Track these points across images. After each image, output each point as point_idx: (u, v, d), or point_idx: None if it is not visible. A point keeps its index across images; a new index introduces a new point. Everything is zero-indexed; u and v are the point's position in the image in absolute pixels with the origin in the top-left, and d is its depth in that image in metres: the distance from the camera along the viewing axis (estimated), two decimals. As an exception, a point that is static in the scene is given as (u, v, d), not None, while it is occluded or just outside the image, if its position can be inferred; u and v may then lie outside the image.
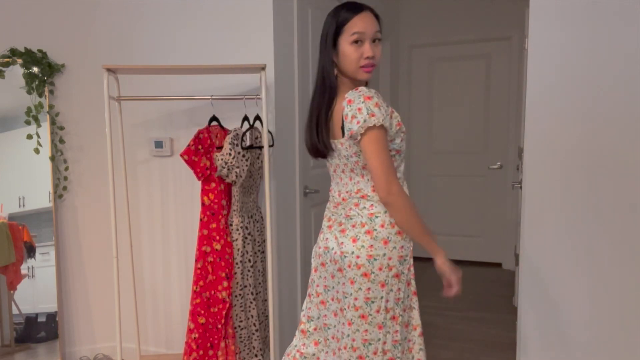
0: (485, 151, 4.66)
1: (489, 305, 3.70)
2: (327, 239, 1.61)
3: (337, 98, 1.55)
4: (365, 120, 1.41)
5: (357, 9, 1.50)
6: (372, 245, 1.50)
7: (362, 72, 1.51)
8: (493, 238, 4.73)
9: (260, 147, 2.31)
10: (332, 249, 1.57)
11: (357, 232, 1.52)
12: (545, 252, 2.09)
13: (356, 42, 1.48)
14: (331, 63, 1.54)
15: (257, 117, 2.30)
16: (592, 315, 2.04)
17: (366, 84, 1.60)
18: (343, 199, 1.59)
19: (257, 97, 2.26)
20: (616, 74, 1.93)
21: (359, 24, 1.48)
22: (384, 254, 1.51)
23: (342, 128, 1.49)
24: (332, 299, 1.61)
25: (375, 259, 1.50)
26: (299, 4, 2.57)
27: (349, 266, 1.52)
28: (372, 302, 1.51)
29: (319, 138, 1.56)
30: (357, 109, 1.43)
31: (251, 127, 2.28)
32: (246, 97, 2.31)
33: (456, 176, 4.81)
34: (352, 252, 1.51)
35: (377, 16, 1.53)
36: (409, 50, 4.83)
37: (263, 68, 2.17)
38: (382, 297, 1.51)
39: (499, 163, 4.46)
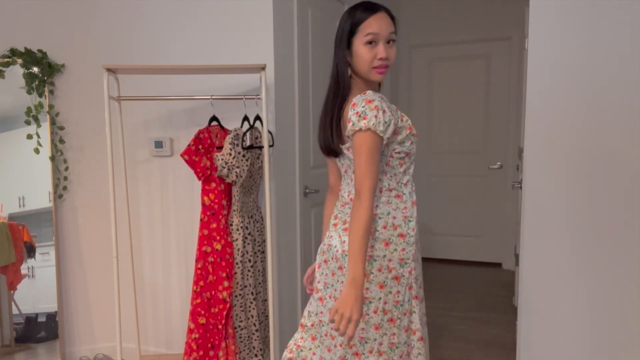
0: (485, 151, 4.66)
1: (489, 305, 3.70)
2: (331, 236, 1.61)
3: (349, 99, 1.54)
4: (353, 124, 1.42)
5: (373, 9, 1.49)
6: (372, 246, 1.50)
7: (374, 73, 1.50)
8: (493, 238, 4.73)
9: (261, 147, 2.31)
10: (335, 246, 1.57)
11: None
12: (545, 252, 2.09)
13: (370, 42, 1.47)
14: (345, 63, 1.53)
15: (257, 117, 2.30)
16: (592, 315, 2.04)
17: (379, 85, 1.60)
18: (350, 199, 1.59)
19: (257, 97, 2.26)
20: (616, 74, 1.93)
21: (373, 25, 1.47)
22: (384, 256, 1.51)
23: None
24: (330, 297, 1.60)
25: (375, 260, 1.50)
26: (299, 4, 2.57)
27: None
28: (370, 302, 1.52)
29: (333, 138, 1.55)
30: (355, 112, 1.43)
31: (251, 127, 2.28)
32: (246, 97, 2.31)
33: (456, 176, 4.81)
34: None
35: (392, 17, 1.53)
36: (409, 50, 4.83)
37: (263, 68, 2.17)
38: (380, 299, 1.51)
39: (499, 163, 4.47)
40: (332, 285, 1.59)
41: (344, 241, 1.55)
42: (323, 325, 1.63)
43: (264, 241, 2.40)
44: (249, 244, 2.31)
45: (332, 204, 1.77)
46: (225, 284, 2.24)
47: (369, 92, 1.47)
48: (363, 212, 1.40)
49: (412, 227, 1.56)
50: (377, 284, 1.51)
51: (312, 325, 1.69)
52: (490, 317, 3.47)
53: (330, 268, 1.60)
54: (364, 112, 1.42)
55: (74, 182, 2.77)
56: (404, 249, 1.54)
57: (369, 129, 1.40)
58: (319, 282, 1.66)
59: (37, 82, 2.58)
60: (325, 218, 1.80)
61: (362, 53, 1.48)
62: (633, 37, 1.89)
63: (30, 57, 2.55)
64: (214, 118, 2.33)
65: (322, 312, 1.64)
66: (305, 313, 1.74)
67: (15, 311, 2.67)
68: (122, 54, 2.67)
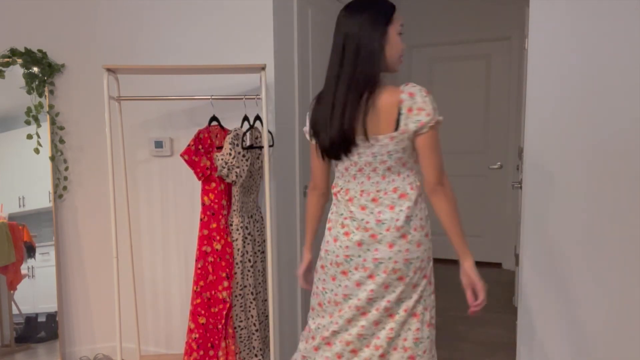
0: (485, 151, 4.66)
1: (489, 305, 3.67)
2: (327, 241, 1.59)
3: (382, 87, 1.48)
4: (433, 115, 1.43)
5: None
6: (407, 250, 1.52)
7: (399, 63, 1.54)
8: (493, 238, 4.73)
9: (260, 147, 2.31)
10: (334, 252, 1.56)
11: (394, 237, 1.50)
12: (545, 252, 2.09)
13: (400, 33, 1.51)
14: (382, 47, 1.47)
15: (257, 117, 2.30)
16: (592, 314, 2.04)
17: None
18: (373, 199, 1.53)
19: (257, 97, 2.26)
20: (616, 74, 1.93)
21: (401, 17, 1.52)
22: (417, 257, 1.54)
23: (397, 121, 1.44)
24: (329, 302, 1.60)
25: (411, 263, 1.52)
26: (299, 4, 2.57)
27: (385, 272, 1.51)
28: (401, 301, 1.55)
29: (365, 129, 1.45)
30: (422, 101, 1.43)
31: (251, 127, 2.28)
32: (246, 97, 2.31)
33: (456, 176, 4.80)
34: (390, 258, 1.51)
35: None
36: (409, 50, 4.83)
37: (263, 68, 2.17)
38: (410, 298, 1.55)
39: (499, 163, 4.46)
40: (332, 290, 1.58)
41: (347, 246, 1.53)
42: (364, 339, 1.60)
43: (264, 241, 2.40)
44: (249, 244, 2.31)
45: (318, 204, 1.72)
46: (225, 284, 2.24)
47: (414, 84, 1.48)
48: (451, 194, 1.51)
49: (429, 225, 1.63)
50: (411, 285, 1.53)
51: (313, 336, 1.67)
52: (490, 317, 3.47)
53: (329, 273, 1.58)
54: (432, 103, 1.44)
55: (74, 182, 2.77)
56: (429, 248, 1.60)
57: (440, 121, 1.46)
58: (317, 287, 1.65)
59: (37, 82, 2.58)
60: (311, 218, 1.76)
61: (397, 42, 1.50)
62: (633, 36, 1.89)
63: (30, 57, 2.55)
64: (214, 118, 2.33)
65: (322, 317, 1.63)
66: (313, 325, 1.68)
67: (15, 311, 2.67)
68: (122, 54, 2.67)
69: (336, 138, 1.48)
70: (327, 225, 1.63)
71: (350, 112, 1.45)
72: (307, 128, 1.63)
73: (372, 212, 1.52)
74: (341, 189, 1.60)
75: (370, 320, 1.54)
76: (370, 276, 1.52)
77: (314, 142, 1.61)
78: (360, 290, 1.54)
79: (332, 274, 1.59)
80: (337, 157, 1.55)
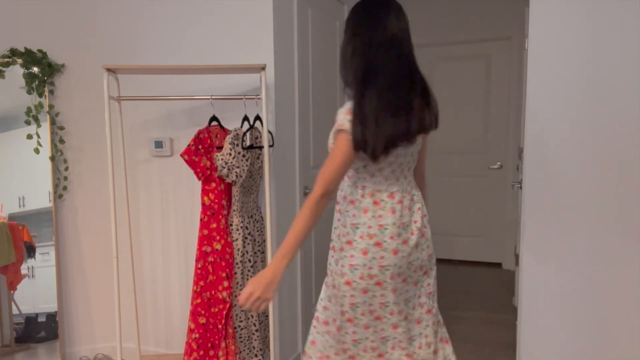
0: (485, 151, 4.66)
1: (489, 305, 3.70)
2: (409, 254, 1.52)
3: None
4: None
5: None
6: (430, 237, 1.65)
7: None
8: (493, 238, 4.73)
9: (261, 147, 2.31)
10: (419, 259, 1.57)
11: (429, 230, 1.61)
12: (545, 252, 2.09)
13: None
14: None
15: (257, 117, 2.30)
16: (592, 315, 2.04)
17: None
18: (412, 199, 1.56)
19: (257, 97, 2.26)
20: (616, 74, 1.93)
21: None
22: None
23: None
24: (414, 308, 1.58)
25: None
26: (299, 4, 2.57)
27: (435, 264, 1.63)
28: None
29: (432, 126, 1.53)
30: None
31: (251, 127, 2.28)
32: (246, 97, 2.31)
33: (456, 176, 4.81)
34: (432, 249, 1.62)
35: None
36: (409, 50, 4.82)
37: (263, 68, 2.17)
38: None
39: (499, 163, 4.47)
40: (395, 302, 1.53)
41: (409, 253, 1.52)
42: (414, 340, 1.61)
43: (264, 241, 2.41)
44: (249, 244, 2.31)
45: (323, 212, 1.47)
46: (225, 283, 2.24)
47: None
48: None
49: None
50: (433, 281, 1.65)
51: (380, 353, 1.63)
52: (490, 317, 3.47)
53: (389, 287, 1.52)
54: None
55: (74, 182, 2.77)
56: None
57: None
58: (370, 305, 1.55)
59: (37, 82, 2.58)
60: (310, 230, 1.44)
61: None
62: (633, 36, 1.89)
63: (30, 57, 2.55)
64: (214, 118, 2.33)
65: (383, 329, 1.56)
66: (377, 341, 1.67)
67: (15, 311, 2.67)
68: (122, 54, 2.67)
69: (416, 122, 1.44)
70: (372, 241, 1.48)
71: (433, 107, 1.51)
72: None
73: (414, 211, 1.56)
74: (387, 193, 1.51)
75: (434, 313, 1.62)
76: (426, 272, 1.59)
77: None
78: (418, 289, 1.58)
79: (392, 287, 1.50)
80: (377, 158, 1.42)
